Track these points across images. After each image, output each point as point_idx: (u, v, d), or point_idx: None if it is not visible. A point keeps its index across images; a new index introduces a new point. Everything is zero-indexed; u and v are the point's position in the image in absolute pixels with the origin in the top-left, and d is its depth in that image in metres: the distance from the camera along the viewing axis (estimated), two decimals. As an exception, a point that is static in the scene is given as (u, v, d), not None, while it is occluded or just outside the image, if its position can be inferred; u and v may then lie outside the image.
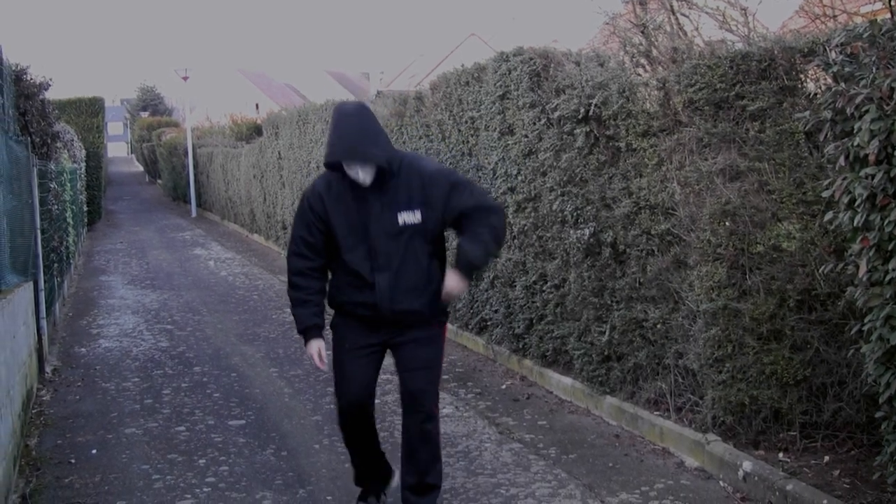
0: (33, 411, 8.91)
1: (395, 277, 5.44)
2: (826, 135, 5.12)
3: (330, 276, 5.69)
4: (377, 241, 5.41)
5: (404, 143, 12.48)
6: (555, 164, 8.48)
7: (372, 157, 5.25)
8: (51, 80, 13.75)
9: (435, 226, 5.50)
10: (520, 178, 9.25)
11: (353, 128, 5.29)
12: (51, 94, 14.40)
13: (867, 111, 4.66)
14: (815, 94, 6.33)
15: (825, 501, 5.59)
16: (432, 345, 5.69)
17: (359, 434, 5.82)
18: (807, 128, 5.84)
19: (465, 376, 9.96)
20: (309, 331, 5.60)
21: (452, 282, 5.45)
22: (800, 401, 6.51)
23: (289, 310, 5.79)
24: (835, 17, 8.43)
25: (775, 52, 6.53)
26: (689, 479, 6.67)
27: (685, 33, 8.42)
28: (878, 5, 8.46)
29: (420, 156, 5.63)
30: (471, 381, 9.78)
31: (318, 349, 5.58)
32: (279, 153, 21.27)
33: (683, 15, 8.68)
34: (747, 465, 6.31)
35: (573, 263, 8.40)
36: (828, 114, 5.05)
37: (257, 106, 59.73)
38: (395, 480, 6.03)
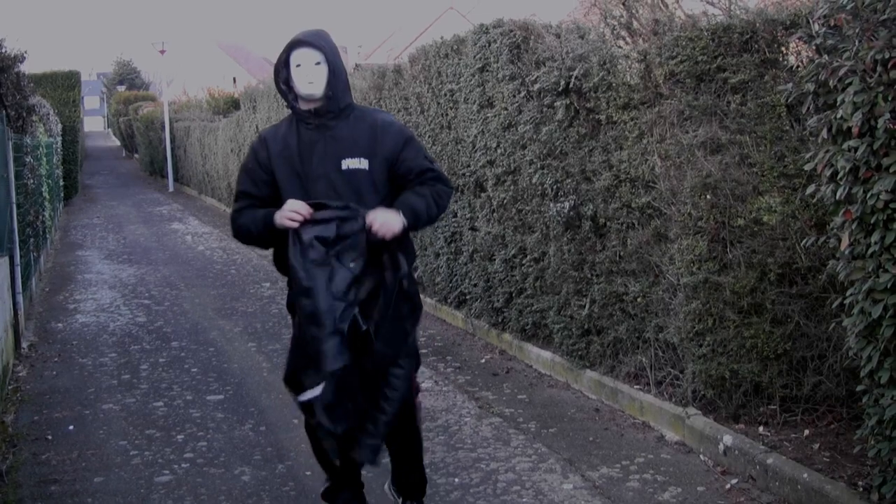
0: (9, 387, 8.84)
1: None
2: (808, 108, 5.09)
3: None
4: (316, 183, 4.92)
5: (383, 116, 12.40)
6: (535, 136, 8.44)
7: (322, 47, 4.88)
8: (26, 52, 13.59)
9: (382, 175, 4.98)
10: (499, 151, 9.21)
11: (310, 31, 5.00)
12: (26, 68, 14.22)
13: (850, 84, 4.63)
14: (797, 67, 6.30)
15: (805, 475, 5.60)
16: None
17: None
18: (789, 100, 5.80)
19: (444, 350, 9.94)
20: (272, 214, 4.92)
21: (388, 215, 4.81)
22: (780, 374, 6.51)
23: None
24: (816, -11, 8.40)
25: (757, 24, 6.49)
26: (670, 453, 6.68)
27: (666, 5, 8.37)
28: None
29: (376, 109, 5.26)
30: (450, 355, 9.76)
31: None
32: (257, 127, 21.14)
33: (664, -13, 8.63)
34: (727, 439, 6.31)
35: (553, 237, 8.37)
36: (810, 86, 5.02)
37: (234, 80, 59.41)
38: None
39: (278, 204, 4.89)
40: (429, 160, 5.10)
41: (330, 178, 4.93)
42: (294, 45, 4.91)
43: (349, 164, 4.92)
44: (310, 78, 4.88)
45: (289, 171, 4.96)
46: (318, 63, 4.87)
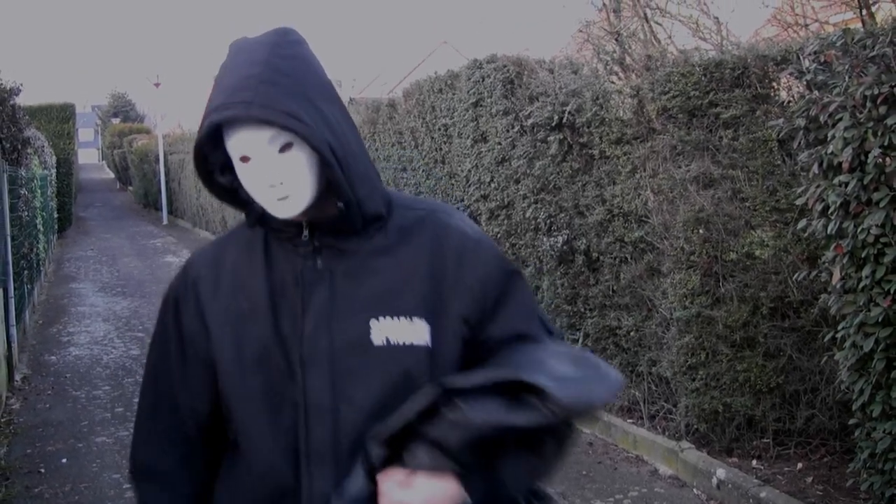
0: (2, 420, 8.81)
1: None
2: (799, 143, 5.13)
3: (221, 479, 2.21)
4: (306, 374, 2.02)
5: (377, 150, 12.44)
6: (528, 171, 8.47)
7: (286, 121, 1.92)
8: (21, 85, 13.65)
9: (453, 354, 2.05)
10: (493, 185, 9.24)
11: (254, 67, 1.99)
12: (21, 100, 14.27)
13: (840, 119, 4.67)
14: (788, 102, 6.35)
15: (798, 508, 5.60)
16: None
17: None
18: (780, 135, 5.85)
19: (438, 384, 9.91)
20: None
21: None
22: (773, 408, 6.52)
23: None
24: (806, 25, 8.48)
25: (749, 60, 6.55)
26: (663, 487, 6.67)
27: (658, 41, 8.45)
28: (849, 14, 8.52)
29: (435, 203, 2.25)
30: (444, 388, 9.73)
31: None
32: (251, 160, 21.14)
33: (657, 23, 8.71)
34: (721, 473, 6.31)
35: (546, 271, 8.39)
36: (801, 122, 5.06)
37: (229, 113, 59.40)
38: None
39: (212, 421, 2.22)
40: (546, 326, 2.17)
41: (339, 363, 2.02)
42: (222, 121, 1.96)
43: (388, 330, 2.02)
44: (279, 190, 1.99)
45: (244, 356, 2.10)
46: (285, 147, 1.97)
